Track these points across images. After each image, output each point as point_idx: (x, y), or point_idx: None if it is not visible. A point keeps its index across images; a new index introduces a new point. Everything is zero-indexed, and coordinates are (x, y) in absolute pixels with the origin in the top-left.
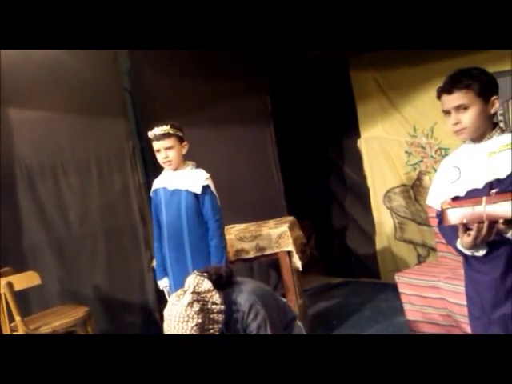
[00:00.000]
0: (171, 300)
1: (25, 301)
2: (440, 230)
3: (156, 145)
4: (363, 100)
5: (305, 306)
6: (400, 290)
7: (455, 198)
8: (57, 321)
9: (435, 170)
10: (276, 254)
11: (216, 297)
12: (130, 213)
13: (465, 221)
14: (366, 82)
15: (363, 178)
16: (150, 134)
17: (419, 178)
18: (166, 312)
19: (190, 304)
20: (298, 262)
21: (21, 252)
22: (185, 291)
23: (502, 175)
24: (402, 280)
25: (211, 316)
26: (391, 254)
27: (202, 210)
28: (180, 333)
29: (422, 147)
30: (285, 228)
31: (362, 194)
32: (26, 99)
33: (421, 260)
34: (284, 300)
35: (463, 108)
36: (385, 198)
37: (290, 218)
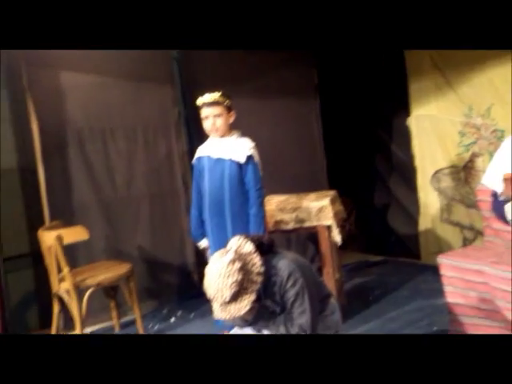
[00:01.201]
0: (213, 257)
1: (72, 255)
2: (494, 208)
3: (204, 111)
4: (417, 77)
5: (341, 280)
6: (442, 272)
7: None
8: (102, 274)
9: (489, 153)
10: (315, 227)
11: (257, 259)
12: (172, 179)
13: None
14: (420, 59)
15: (411, 157)
16: (199, 100)
17: (471, 160)
18: (208, 268)
19: (232, 261)
20: (337, 237)
21: (70, 209)
22: (227, 250)
23: None
24: (445, 262)
25: (250, 276)
26: (435, 236)
27: (244, 179)
28: (219, 287)
29: (477, 128)
30: (326, 202)
31: (407, 174)
32: (77, 64)
33: (466, 243)
34: (320, 278)
35: None
36: (433, 178)
37: (332, 192)
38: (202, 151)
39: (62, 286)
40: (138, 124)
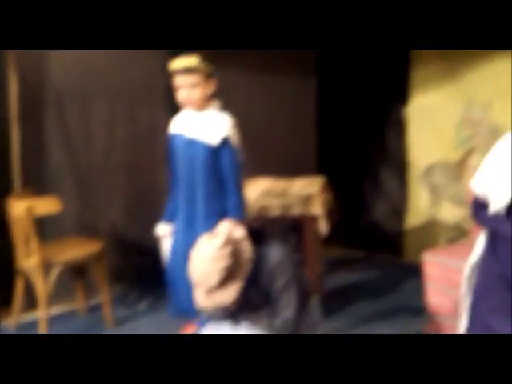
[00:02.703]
0: (202, 240)
1: (39, 227)
2: (476, 215)
3: (178, 80)
4: (418, 65)
5: (322, 274)
6: (426, 270)
7: None
8: (71, 251)
9: (486, 149)
10: (301, 215)
11: (247, 246)
12: (153, 152)
13: None
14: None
15: (404, 149)
16: (172, 66)
17: (467, 156)
18: (195, 251)
19: (222, 246)
20: (323, 227)
21: (42, 176)
22: (217, 234)
23: None
24: (430, 259)
25: (240, 263)
26: (420, 233)
27: (220, 164)
28: (207, 272)
29: (475, 122)
30: (315, 189)
31: (399, 166)
32: None
33: (452, 242)
34: (304, 274)
35: None
36: (425, 172)
37: (321, 180)
38: (175, 127)
39: (29, 260)
40: (123, 91)
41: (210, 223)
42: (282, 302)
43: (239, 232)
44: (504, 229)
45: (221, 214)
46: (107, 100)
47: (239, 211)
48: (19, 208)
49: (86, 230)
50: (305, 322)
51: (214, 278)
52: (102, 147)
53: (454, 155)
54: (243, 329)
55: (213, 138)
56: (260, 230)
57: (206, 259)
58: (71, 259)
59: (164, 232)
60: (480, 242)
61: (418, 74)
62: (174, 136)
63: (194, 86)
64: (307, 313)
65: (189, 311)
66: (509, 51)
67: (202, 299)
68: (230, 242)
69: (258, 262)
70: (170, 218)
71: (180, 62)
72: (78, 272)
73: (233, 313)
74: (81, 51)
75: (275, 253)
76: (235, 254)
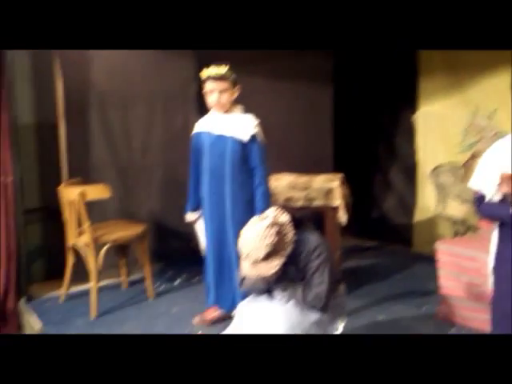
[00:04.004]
0: (253, 221)
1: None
2: (478, 208)
3: (209, 85)
4: (427, 74)
5: (339, 260)
6: (438, 257)
7: None
8: (118, 232)
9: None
10: (323, 206)
11: (290, 229)
12: (185, 148)
13: None
14: (431, 58)
15: (413, 151)
16: (204, 73)
17: (472, 159)
18: (245, 229)
19: (270, 226)
20: (343, 217)
21: (86, 169)
22: (266, 217)
23: None
24: (442, 248)
25: (283, 242)
26: (428, 227)
27: (248, 157)
28: (255, 246)
29: (481, 129)
30: (335, 184)
31: (408, 167)
32: None
33: (458, 236)
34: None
35: None
36: (432, 173)
37: (340, 175)
38: (201, 126)
39: (81, 239)
40: (159, 94)
41: (237, 212)
42: (315, 280)
43: (284, 217)
44: (500, 213)
45: (246, 204)
46: (145, 103)
47: (266, 200)
48: (73, 193)
49: (126, 216)
50: (334, 301)
51: (261, 252)
52: (140, 144)
53: (460, 158)
54: (277, 303)
55: (243, 135)
56: (300, 218)
57: (256, 236)
58: (118, 238)
59: (193, 218)
60: (494, 234)
61: (426, 84)
62: (201, 134)
63: (223, 91)
64: (337, 293)
65: (221, 302)
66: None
67: (248, 269)
68: (277, 223)
69: (299, 244)
70: (195, 207)
71: (212, 70)
72: (121, 251)
73: (271, 284)
74: (121, 58)
75: (314, 237)
76: (280, 234)
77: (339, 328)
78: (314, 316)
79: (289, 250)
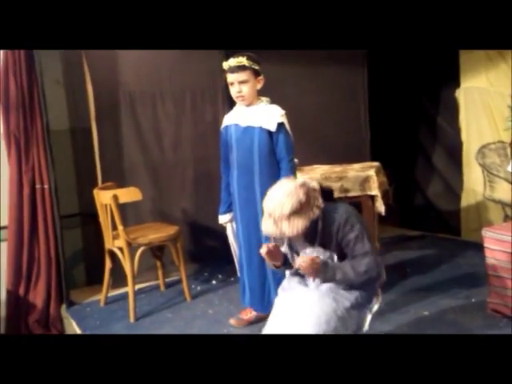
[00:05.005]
0: (282, 180)
1: (122, 214)
2: None
3: (230, 77)
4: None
5: (378, 252)
6: (485, 245)
7: None
8: (153, 234)
9: None
10: (359, 196)
11: (318, 195)
12: (217, 144)
13: None
14: None
15: (457, 130)
16: (225, 65)
17: None
18: (273, 188)
19: (300, 185)
20: (381, 207)
21: (120, 171)
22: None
23: None
24: (489, 235)
25: (310, 205)
26: (476, 212)
27: (275, 148)
28: (281, 202)
29: None
30: (371, 172)
31: (453, 148)
32: None
33: (507, 221)
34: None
35: None
36: (478, 153)
37: (376, 164)
38: (229, 119)
39: (116, 242)
40: (187, 89)
41: None
42: (358, 251)
43: (315, 184)
44: None
45: None
46: (174, 99)
47: None
48: (106, 196)
49: (160, 217)
50: (381, 276)
51: (286, 208)
52: (171, 142)
53: (507, 135)
54: (311, 290)
55: (270, 125)
56: (330, 190)
57: (284, 192)
58: (152, 241)
59: (226, 220)
60: None
61: (467, 56)
62: (228, 127)
63: (242, 82)
64: (381, 267)
65: (255, 305)
66: None
67: (270, 227)
68: (306, 185)
69: (328, 215)
70: (228, 208)
71: (231, 61)
72: (157, 253)
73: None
74: (147, 56)
75: (344, 208)
76: (308, 196)
77: (375, 307)
78: (350, 297)
79: (315, 214)
